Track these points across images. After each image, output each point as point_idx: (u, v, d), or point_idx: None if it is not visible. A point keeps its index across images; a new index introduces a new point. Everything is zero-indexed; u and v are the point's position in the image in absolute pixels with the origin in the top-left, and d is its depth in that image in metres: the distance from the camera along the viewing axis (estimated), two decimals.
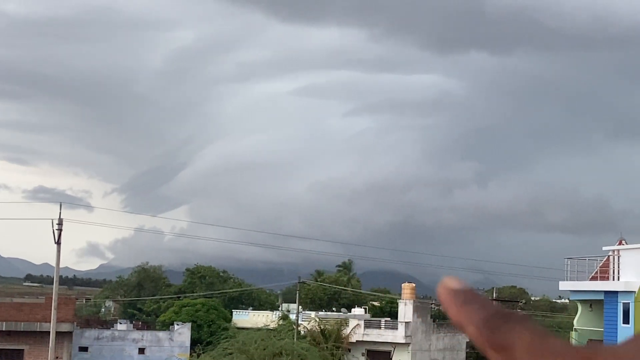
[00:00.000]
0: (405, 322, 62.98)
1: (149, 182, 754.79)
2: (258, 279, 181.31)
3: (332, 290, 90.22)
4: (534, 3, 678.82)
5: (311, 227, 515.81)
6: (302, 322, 65.11)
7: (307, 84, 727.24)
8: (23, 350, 58.49)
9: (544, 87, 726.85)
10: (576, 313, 50.07)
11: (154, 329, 71.32)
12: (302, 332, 61.69)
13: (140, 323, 78.05)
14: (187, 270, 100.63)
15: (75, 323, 61.65)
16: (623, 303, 43.64)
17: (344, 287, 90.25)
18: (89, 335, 63.26)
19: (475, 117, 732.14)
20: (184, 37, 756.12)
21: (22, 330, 57.94)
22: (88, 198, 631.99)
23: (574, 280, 47.91)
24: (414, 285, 67.22)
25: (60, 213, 55.04)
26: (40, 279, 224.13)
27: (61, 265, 58.25)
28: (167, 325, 70.97)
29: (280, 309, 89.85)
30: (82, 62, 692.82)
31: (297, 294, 71.58)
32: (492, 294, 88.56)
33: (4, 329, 57.53)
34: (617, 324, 43.72)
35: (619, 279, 44.80)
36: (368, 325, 64.84)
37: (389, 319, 68.02)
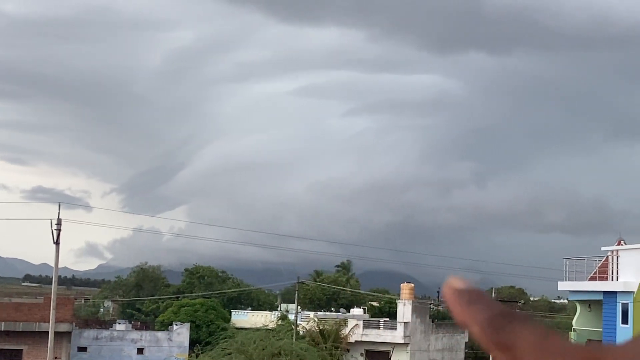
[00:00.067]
0: (404, 323, 63.01)
1: (147, 182, 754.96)
2: (257, 279, 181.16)
3: (331, 290, 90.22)
4: (533, 3, 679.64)
5: (310, 227, 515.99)
6: (301, 322, 65.13)
7: (306, 84, 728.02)
8: (22, 350, 58.49)
9: (543, 87, 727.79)
10: (575, 313, 50.11)
11: (153, 329, 71.33)
12: (301, 332, 61.72)
13: (139, 323, 78.05)
14: (186, 270, 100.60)
15: (73, 323, 61.65)
16: (622, 303, 43.65)
17: (343, 287, 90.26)
18: (88, 336, 63.27)
19: (474, 117, 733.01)
20: (183, 37, 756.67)
21: (20, 330, 57.94)
22: (87, 198, 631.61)
23: (573, 281, 47.93)
24: (412, 285, 67.24)
25: (59, 213, 55.09)
26: (38, 279, 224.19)
27: (60, 266, 58.27)
28: (165, 326, 70.98)
29: (279, 309, 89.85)
30: (81, 62, 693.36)
31: (296, 294, 71.60)
32: (491, 294, 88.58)
33: (2, 329, 57.53)
34: (615, 324, 43.73)
35: (617, 280, 44.82)
36: (367, 325, 64.87)
37: (387, 319, 68.06)
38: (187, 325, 67.59)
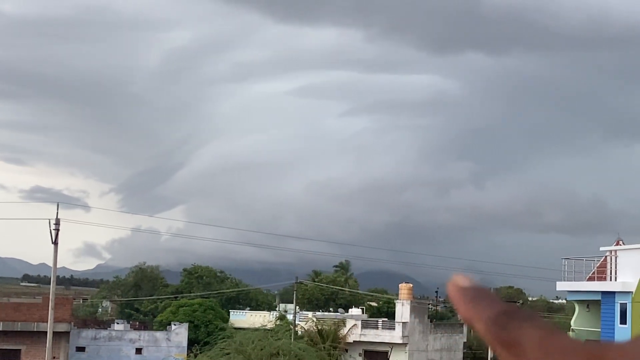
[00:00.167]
0: (403, 323, 63.00)
1: (145, 182, 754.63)
2: (255, 279, 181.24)
3: (329, 290, 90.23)
4: (531, 3, 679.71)
5: (308, 227, 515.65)
6: (300, 323, 65.11)
7: (304, 84, 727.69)
8: (20, 350, 58.47)
9: (542, 87, 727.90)
10: (573, 313, 50.12)
11: (151, 329, 71.31)
12: (300, 333, 61.71)
13: (137, 323, 78.02)
14: (185, 270, 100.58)
15: (72, 323, 61.65)
16: (620, 303, 43.68)
17: (341, 287, 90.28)
18: (86, 336, 63.25)
19: (473, 117, 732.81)
20: (181, 37, 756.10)
21: (19, 330, 57.92)
22: (85, 198, 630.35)
23: (571, 281, 47.96)
24: (411, 285, 67.22)
25: (57, 213, 55.08)
26: (37, 279, 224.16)
27: (58, 265, 58.25)
28: (164, 326, 70.96)
29: (277, 309, 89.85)
30: (79, 62, 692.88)
31: (295, 294, 71.57)
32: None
33: (1, 329, 57.52)
34: (614, 325, 43.76)
35: (616, 280, 44.85)
36: (365, 325, 64.86)
37: (386, 319, 68.07)
38: (186, 325, 67.58)
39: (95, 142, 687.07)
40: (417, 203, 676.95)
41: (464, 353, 71.27)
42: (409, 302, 64.38)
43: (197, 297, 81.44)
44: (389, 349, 63.19)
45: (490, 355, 71.44)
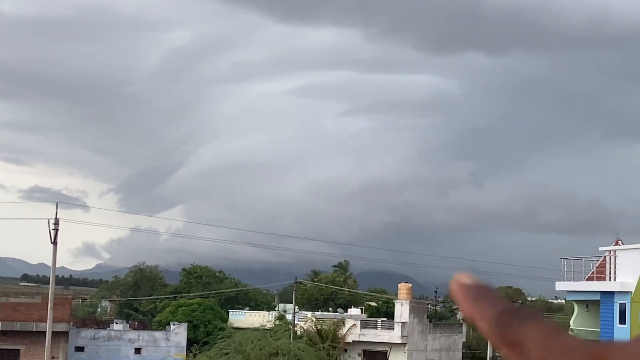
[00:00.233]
0: (402, 322, 62.99)
1: (144, 182, 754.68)
2: (254, 279, 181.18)
3: (328, 290, 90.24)
4: (531, 3, 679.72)
5: (307, 227, 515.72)
6: (299, 322, 65.13)
7: (303, 84, 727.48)
8: (19, 350, 58.45)
9: (541, 87, 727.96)
10: (572, 313, 50.11)
11: (150, 329, 71.29)
12: (299, 332, 61.72)
13: (136, 323, 78.02)
14: (184, 270, 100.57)
15: (71, 323, 61.64)
16: (619, 303, 43.69)
17: (341, 287, 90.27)
18: (85, 335, 63.22)
19: (472, 117, 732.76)
20: (180, 37, 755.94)
21: (18, 330, 57.91)
22: (84, 198, 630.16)
23: (570, 281, 47.95)
24: (410, 285, 67.21)
25: (56, 213, 55.07)
26: (36, 279, 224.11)
27: (57, 265, 58.23)
28: (163, 325, 70.95)
29: (276, 309, 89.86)
30: (78, 62, 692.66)
31: (294, 294, 71.60)
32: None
33: (0, 329, 57.50)
34: (613, 325, 43.78)
35: (615, 280, 44.85)
36: (364, 325, 64.84)
37: (385, 319, 68.05)
38: (185, 325, 67.57)
39: (95, 142, 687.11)
40: (416, 203, 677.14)
41: (463, 353, 71.28)
42: (408, 302, 64.36)
43: (196, 297, 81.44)
44: (388, 349, 63.19)
45: (489, 355, 71.48)
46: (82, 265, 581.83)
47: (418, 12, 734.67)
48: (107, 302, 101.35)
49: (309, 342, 56.09)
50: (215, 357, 43.10)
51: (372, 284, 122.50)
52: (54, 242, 54.28)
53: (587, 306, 48.07)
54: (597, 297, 45.44)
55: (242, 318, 78.78)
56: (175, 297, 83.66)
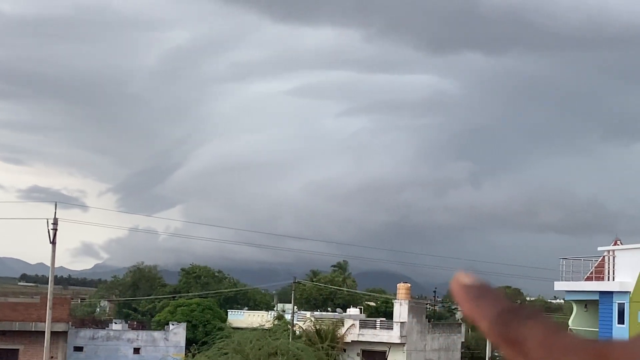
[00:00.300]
0: (401, 322, 63.01)
1: (143, 182, 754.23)
2: (253, 279, 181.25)
3: (327, 290, 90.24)
4: (529, 3, 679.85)
5: (306, 227, 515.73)
6: (298, 322, 65.14)
7: (302, 84, 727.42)
8: (18, 350, 58.42)
9: (539, 87, 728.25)
10: (571, 313, 50.10)
11: (149, 329, 71.28)
12: (298, 332, 61.73)
13: (135, 323, 78.01)
14: (183, 270, 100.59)
15: (70, 323, 61.60)
16: (618, 303, 43.71)
17: (339, 287, 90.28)
18: (84, 335, 63.21)
19: (470, 117, 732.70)
20: (179, 37, 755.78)
21: (17, 330, 57.87)
22: (83, 198, 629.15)
23: (569, 281, 47.96)
24: (409, 285, 67.25)
25: (55, 213, 55.03)
26: (35, 279, 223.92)
27: (56, 265, 58.20)
28: (162, 325, 70.94)
29: (275, 309, 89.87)
30: (77, 61, 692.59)
31: (293, 294, 71.64)
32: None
33: None
34: (612, 324, 43.79)
35: (614, 279, 44.86)
36: (363, 325, 64.86)
37: (384, 319, 68.05)
38: (184, 325, 67.56)
39: (94, 142, 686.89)
40: (415, 203, 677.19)
41: (461, 353, 71.29)
42: (407, 302, 64.39)
43: (195, 296, 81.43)
44: (387, 349, 63.21)
45: (488, 355, 71.49)
46: (81, 265, 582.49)
47: (417, 12, 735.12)
48: (106, 302, 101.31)
49: (308, 342, 56.08)
50: (214, 357, 43.09)
51: (371, 284, 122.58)
52: (53, 242, 54.26)
53: (585, 306, 48.07)
54: (596, 297, 45.45)
55: (241, 318, 78.76)
56: (174, 297, 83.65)
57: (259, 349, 41.39)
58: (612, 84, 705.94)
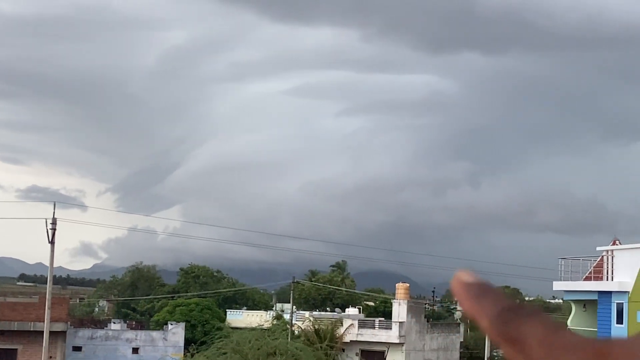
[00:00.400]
0: (399, 322, 63.04)
1: (142, 181, 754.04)
2: (252, 278, 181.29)
3: (326, 290, 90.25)
4: (527, 3, 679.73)
5: (305, 227, 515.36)
6: (296, 322, 65.16)
7: (300, 84, 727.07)
8: (16, 349, 58.42)
9: (538, 87, 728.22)
10: (570, 313, 50.13)
11: (148, 329, 71.31)
12: (296, 332, 61.75)
13: (134, 323, 78.05)
14: (181, 270, 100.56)
15: (68, 323, 61.62)
16: (617, 303, 43.73)
17: (338, 287, 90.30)
18: (83, 335, 63.21)
19: (469, 117, 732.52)
20: (178, 37, 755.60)
21: (15, 329, 57.87)
22: (81, 197, 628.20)
23: (568, 281, 47.98)
24: (407, 285, 67.30)
25: (54, 212, 55.02)
26: (33, 279, 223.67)
27: (55, 265, 58.21)
28: (160, 325, 70.94)
29: (274, 308, 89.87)
30: (76, 61, 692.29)
31: (291, 294, 71.64)
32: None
33: None
34: (610, 324, 43.81)
35: (612, 279, 44.88)
36: (362, 325, 64.90)
37: (383, 319, 68.10)
38: (182, 324, 67.56)
39: (92, 142, 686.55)
40: (413, 203, 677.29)
41: (460, 353, 71.32)
42: (405, 301, 64.43)
43: (193, 296, 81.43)
44: (386, 349, 63.23)
45: (487, 354, 71.50)
46: (79, 264, 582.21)
47: (415, 12, 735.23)
48: (105, 301, 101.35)
49: (307, 341, 56.08)
50: (213, 357, 43.08)
51: (370, 284, 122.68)
52: (52, 242, 54.24)
53: (584, 306, 48.09)
54: (595, 297, 45.46)
55: (240, 318, 78.75)
56: (172, 297, 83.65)
57: (258, 349, 41.38)
58: (612, 84, 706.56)
